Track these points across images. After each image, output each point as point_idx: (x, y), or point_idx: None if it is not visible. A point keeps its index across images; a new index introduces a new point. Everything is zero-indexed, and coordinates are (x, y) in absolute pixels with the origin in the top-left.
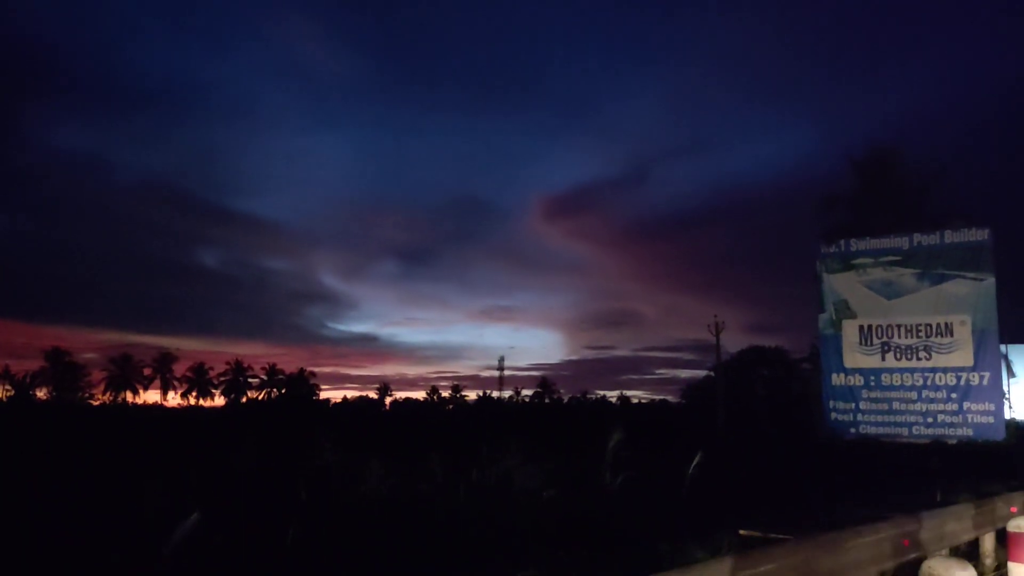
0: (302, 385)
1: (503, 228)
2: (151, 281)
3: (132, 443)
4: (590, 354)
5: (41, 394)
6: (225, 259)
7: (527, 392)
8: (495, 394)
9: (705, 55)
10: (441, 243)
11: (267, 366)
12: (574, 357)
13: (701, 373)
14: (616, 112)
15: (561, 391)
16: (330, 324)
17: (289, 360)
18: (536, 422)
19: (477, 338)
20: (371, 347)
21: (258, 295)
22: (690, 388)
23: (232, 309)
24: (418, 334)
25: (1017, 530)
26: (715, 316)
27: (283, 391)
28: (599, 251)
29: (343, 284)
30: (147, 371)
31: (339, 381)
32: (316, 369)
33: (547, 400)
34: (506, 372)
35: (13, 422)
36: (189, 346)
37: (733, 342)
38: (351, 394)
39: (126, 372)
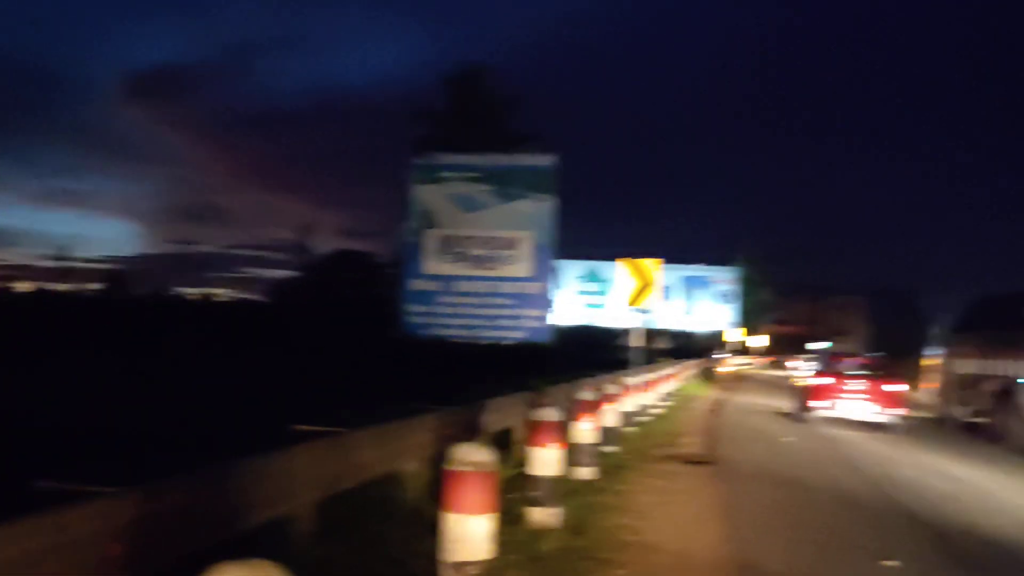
0: None
1: (75, 104)
2: None
3: None
4: (172, 248)
5: None
6: None
7: (95, 287)
8: (54, 287)
9: None
10: None
11: None
12: (153, 251)
13: (290, 274)
14: None
15: (137, 287)
16: None
17: None
18: (104, 320)
19: (35, 223)
20: None
21: None
22: (277, 288)
23: None
24: None
25: (535, 418)
26: (306, 217)
27: None
28: (188, 140)
29: None
30: None
31: None
32: None
33: (118, 297)
34: (71, 264)
35: None
36: None
37: (326, 245)
38: None
39: None
